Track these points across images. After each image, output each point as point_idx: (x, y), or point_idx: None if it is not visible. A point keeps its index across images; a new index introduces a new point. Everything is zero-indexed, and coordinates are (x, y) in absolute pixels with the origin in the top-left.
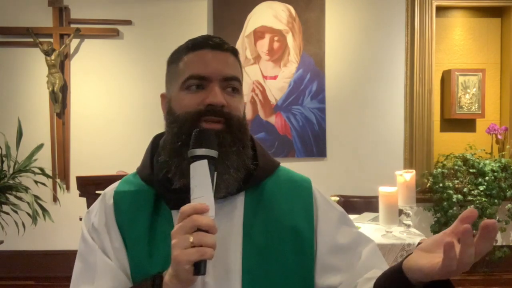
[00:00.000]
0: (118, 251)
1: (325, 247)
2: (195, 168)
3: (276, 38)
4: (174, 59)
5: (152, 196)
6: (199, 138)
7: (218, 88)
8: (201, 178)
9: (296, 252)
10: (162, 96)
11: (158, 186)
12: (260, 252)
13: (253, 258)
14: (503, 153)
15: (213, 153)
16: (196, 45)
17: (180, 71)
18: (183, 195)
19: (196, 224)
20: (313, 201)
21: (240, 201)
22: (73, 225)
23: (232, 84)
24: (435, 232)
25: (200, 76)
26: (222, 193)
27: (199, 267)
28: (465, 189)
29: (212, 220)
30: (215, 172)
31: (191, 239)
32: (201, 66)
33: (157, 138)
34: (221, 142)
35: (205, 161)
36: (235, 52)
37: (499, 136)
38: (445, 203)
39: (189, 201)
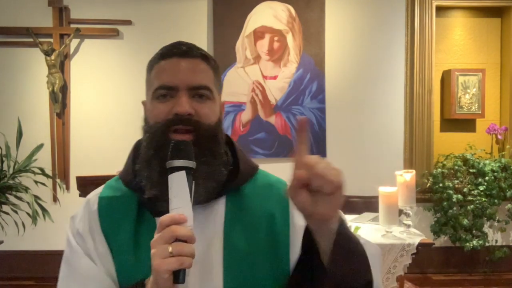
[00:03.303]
0: (103, 256)
1: (296, 253)
2: (173, 179)
3: (276, 38)
4: (149, 67)
5: (135, 202)
6: (177, 149)
7: (185, 97)
8: (179, 189)
9: (273, 257)
10: (143, 103)
11: (140, 193)
12: (240, 256)
13: (233, 262)
14: (503, 153)
15: (191, 163)
16: (165, 53)
17: (152, 80)
18: (163, 203)
19: (174, 234)
20: (289, 203)
21: (221, 206)
22: None
23: (200, 92)
24: (435, 232)
25: (167, 86)
26: (197, 200)
27: (178, 276)
28: (465, 189)
29: (190, 230)
30: (193, 182)
31: (170, 249)
32: (169, 76)
33: (138, 144)
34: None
35: (183, 172)
36: (205, 58)
37: (499, 136)
38: (445, 203)
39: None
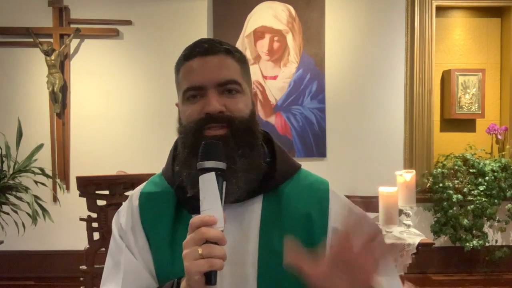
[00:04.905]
0: (143, 251)
1: None
2: (203, 181)
3: (276, 38)
4: (176, 69)
5: (174, 200)
6: (207, 150)
7: (214, 95)
8: (209, 191)
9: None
10: (177, 105)
11: (177, 192)
12: (276, 259)
13: (269, 264)
14: (503, 153)
15: (221, 165)
16: (188, 54)
17: (180, 82)
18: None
19: (204, 236)
20: (328, 206)
21: (257, 205)
22: (73, 225)
23: (229, 87)
24: (435, 232)
25: (195, 86)
26: (234, 197)
27: (209, 277)
28: (465, 189)
29: (221, 232)
30: (224, 183)
31: (200, 251)
32: (195, 76)
33: (178, 141)
34: (226, 147)
35: (212, 174)
36: (229, 52)
37: (499, 136)
38: (445, 203)
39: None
